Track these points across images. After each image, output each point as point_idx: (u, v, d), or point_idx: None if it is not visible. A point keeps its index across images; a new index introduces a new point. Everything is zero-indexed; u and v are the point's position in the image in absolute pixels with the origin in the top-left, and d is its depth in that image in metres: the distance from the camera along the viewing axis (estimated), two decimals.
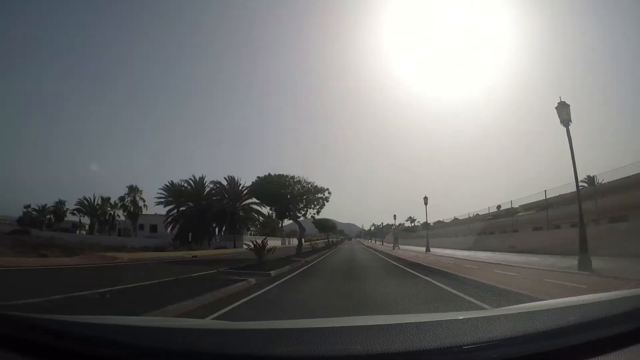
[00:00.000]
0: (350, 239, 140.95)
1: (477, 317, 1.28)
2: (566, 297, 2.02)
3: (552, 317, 1.10)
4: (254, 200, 37.83)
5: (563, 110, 10.30)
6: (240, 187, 45.62)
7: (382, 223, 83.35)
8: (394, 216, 41.47)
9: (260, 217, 47.96)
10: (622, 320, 1.06)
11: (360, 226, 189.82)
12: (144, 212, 54.69)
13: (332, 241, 61.52)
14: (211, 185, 46.47)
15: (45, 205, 60.65)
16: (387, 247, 37.23)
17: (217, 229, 46.16)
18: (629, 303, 1.21)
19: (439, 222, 49.89)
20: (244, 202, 45.29)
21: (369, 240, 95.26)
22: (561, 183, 20.01)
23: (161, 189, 45.65)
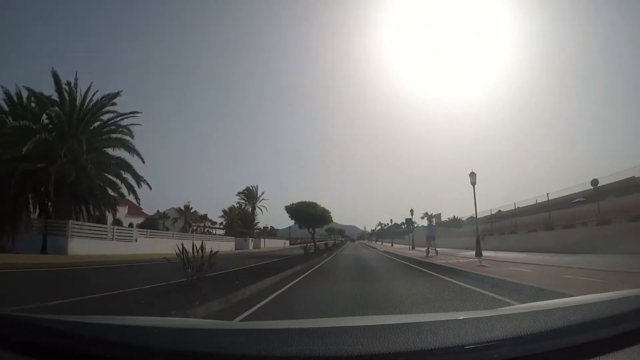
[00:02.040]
0: (353, 240, 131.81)
1: (478, 317, 1.28)
2: None
3: (554, 316, 1.09)
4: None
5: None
6: (91, 102, 20.59)
7: (412, 216, 50.00)
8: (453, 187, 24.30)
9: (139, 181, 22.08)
10: (624, 319, 1.06)
11: (362, 228, 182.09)
12: None
13: (326, 244, 41.88)
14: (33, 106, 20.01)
15: None
16: (420, 252, 21.99)
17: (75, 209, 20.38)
18: (631, 303, 1.21)
19: (455, 219, 45.55)
20: (107, 135, 21.66)
21: (377, 242, 72.81)
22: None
23: None
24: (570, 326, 1.00)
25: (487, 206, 33.36)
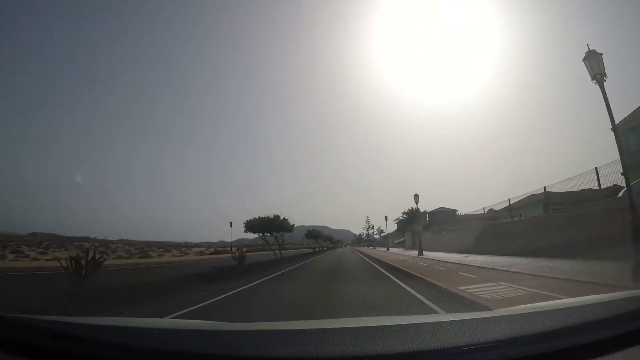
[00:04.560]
0: (344, 245, 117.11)
1: (477, 319, 1.28)
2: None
3: (553, 318, 1.09)
4: None
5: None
6: None
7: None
8: None
9: None
10: (622, 321, 1.06)
11: (358, 233, 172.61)
12: None
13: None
14: None
15: None
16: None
17: None
18: (629, 304, 1.21)
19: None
20: None
21: (384, 250, 41.09)
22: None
23: None
24: (568, 328, 1.00)
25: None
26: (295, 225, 29.26)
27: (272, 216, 26.82)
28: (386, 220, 49.91)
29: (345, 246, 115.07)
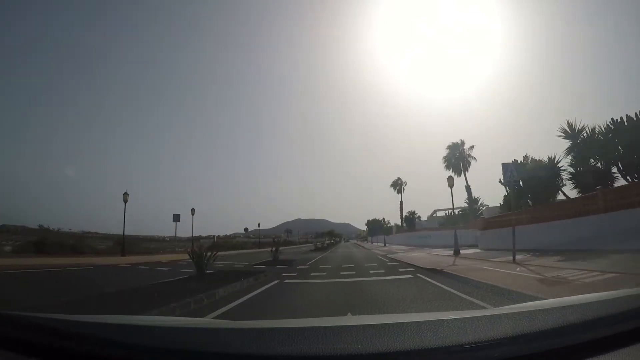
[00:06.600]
0: (347, 240, 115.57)
1: (478, 317, 1.28)
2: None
3: (553, 316, 1.09)
4: None
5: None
6: None
7: None
8: None
9: None
10: (622, 319, 1.06)
11: (363, 227, 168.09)
12: None
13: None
14: None
15: None
16: None
17: None
18: (629, 302, 1.21)
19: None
20: None
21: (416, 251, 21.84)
22: None
23: None
24: (568, 326, 1.00)
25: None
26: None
27: None
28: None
29: (349, 240, 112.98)
